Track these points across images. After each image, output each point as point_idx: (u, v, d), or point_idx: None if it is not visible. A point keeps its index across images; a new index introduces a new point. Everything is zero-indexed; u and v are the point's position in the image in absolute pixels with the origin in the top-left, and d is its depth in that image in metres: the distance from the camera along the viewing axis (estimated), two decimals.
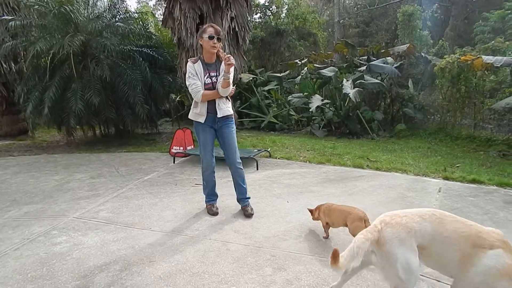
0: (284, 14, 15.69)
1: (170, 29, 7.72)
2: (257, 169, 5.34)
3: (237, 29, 7.35)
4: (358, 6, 23.28)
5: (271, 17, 15.38)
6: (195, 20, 7.25)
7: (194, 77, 3.20)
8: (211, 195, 3.63)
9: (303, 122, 10.55)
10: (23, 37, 7.34)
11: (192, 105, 3.38)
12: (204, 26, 3.23)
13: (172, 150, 6.36)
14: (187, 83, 3.25)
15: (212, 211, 3.53)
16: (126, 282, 2.38)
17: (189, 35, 7.23)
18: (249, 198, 3.60)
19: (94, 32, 7.29)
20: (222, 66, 3.18)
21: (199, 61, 3.24)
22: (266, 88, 11.51)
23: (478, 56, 8.10)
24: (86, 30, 7.29)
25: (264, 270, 2.49)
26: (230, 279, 2.39)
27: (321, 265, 2.54)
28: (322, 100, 9.22)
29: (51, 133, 9.49)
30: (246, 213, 3.47)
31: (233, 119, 3.46)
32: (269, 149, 6.34)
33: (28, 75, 7.58)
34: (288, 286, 2.30)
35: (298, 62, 11.10)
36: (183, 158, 6.12)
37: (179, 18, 7.21)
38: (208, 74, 3.22)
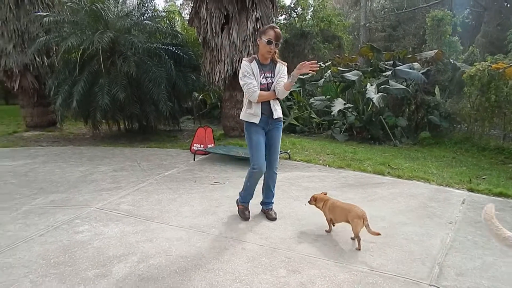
0: (309, 16, 15.61)
1: (195, 28, 7.81)
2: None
3: None
4: (386, 9, 22.88)
5: (296, 18, 15.34)
6: (220, 20, 7.32)
7: (251, 76, 3.11)
8: (249, 196, 3.49)
9: (324, 125, 10.43)
10: (56, 33, 7.64)
11: (244, 106, 3.26)
12: (266, 27, 3.15)
13: (192, 147, 6.45)
14: (241, 82, 3.15)
15: (244, 215, 3.43)
16: (143, 274, 2.44)
17: (214, 34, 7.32)
18: (273, 203, 3.55)
19: (123, 30, 7.50)
20: (278, 68, 3.19)
21: (254, 61, 3.16)
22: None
23: (511, 64, 7.79)
24: (115, 27, 7.51)
25: (279, 272, 2.50)
26: (244, 278, 2.40)
27: (336, 270, 2.51)
28: (345, 104, 9.10)
29: (77, 125, 9.82)
30: (270, 217, 3.41)
31: (282, 122, 3.41)
32: (288, 151, 6.32)
33: (59, 69, 7.89)
34: None
35: (322, 64, 11.00)
36: (203, 156, 6.20)
37: (205, 17, 7.30)
38: (263, 74, 3.15)
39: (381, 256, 2.70)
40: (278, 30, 3.08)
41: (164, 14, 9.11)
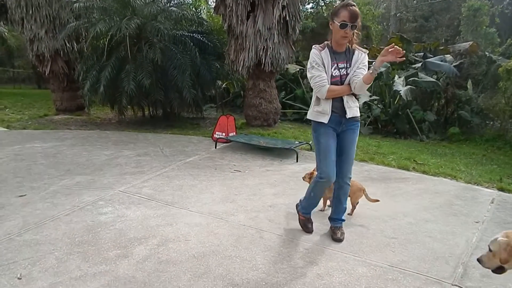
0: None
1: (221, 15, 7.79)
2: (297, 161, 5.29)
3: (287, 18, 7.24)
4: None
5: (324, 7, 14.99)
6: (246, 7, 7.25)
7: (319, 67, 2.57)
8: (312, 206, 2.98)
9: None
10: (85, 19, 7.81)
11: (312, 102, 2.76)
12: (338, 6, 2.54)
13: (214, 135, 6.48)
14: (309, 74, 2.65)
15: (306, 228, 2.96)
16: (162, 257, 2.48)
17: (239, 22, 7.27)
18: (344, 220, 2.93)
19: (150, 16, 7.58)
20: (356, 56, 2.59)
21: (326, 49, 2.60)
22: None
23: None
24: (142, 13, 7.59)
25: (296, 262, 2.48)
26: (261, 267, 2.40)
27: (355, 264, 2.47)
28: (370, 96, 8.87)
29: (104, 110, 10.10)
30: (335, 237, 2.82)
31: (359, 122, 2.80)
32: (310, 142, 6.25)
33: (88, 55, 8.10)
34: (319, 281, 2.27)
35: None
36: (225, 144, 6.23)
37: (230, 5, 7.25)
38: (336, 64, 2.58)
39: (403, 253, 2.63)
40: (354, 8, 2.43)
41: (190, 1, 9.12)
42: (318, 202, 2.94)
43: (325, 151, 2.66)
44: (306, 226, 2.96)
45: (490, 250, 1.94)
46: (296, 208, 3.10)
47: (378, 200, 3.25)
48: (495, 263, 1.92)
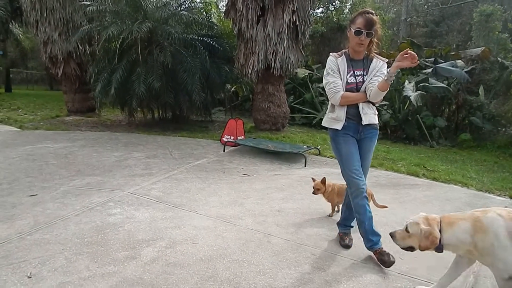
0: (347, 10, 15.20)
1: (231, 19, 7.85)
2: (305, 165, 5.27)
3: (297, 22, 7.26)
4: (429, 4, 21.81)
5: (334, 12, 14.98)
6: (256, 12, 7.30)
7: (335, 74, 2.58)
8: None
9: None
10: (98, 22, 7.95)
11: (327, 109, 2.75)
12: (355, 14, 2.54)
13: (223, 138, 6.51)
14: (324, 81, 2.68)
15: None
16: (170, 259, 2.49)
17: (249, 26, 7.31)
18: (352, 227, 2.85)
19: (161, 20, 7.67)
20: (374, 64, 2.59)
21: (343, 56, 2.62)
22: (322, 84, 11.28)
23: None
24: (154, 17, 7.68)
25: (303, 268, 2.47)
26: (268, 271, 2.39)
27: (363, 271, 2.45)
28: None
29: (114, 112, 10.22)
30: (343, 243, 2.80)
31: (378, 130, 2.73)
32: (318, 147, 6.23)
33: (100, 57, 8.22)
34: (327, 287, 2.26)
35: None
36: (233, 148, 6.24)
37: (241, 9, 7.30)
38: (352, 71, 2.58)
39: (412, 260, 2.60)
40: (370, 16, 2.42)
41: (201, 5, 9.20)
42: (369, 221, 2.56)
43: (347, 158, 2.59)
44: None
45: (407, 230, 2.01)
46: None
47: (386, 206, 3.22)
48: (408, 243, 2.02)
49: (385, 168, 5.33)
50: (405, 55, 2.26)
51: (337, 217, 3.01)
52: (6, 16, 14.61)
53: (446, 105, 9.71)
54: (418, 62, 2.30)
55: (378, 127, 2.71)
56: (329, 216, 3.36)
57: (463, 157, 7.15)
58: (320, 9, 15.15)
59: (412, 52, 2.26)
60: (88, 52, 9.40)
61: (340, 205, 3.10)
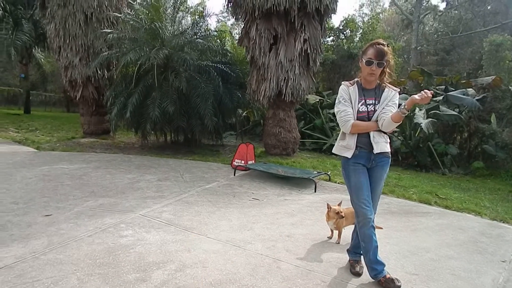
0: (358, 38, 15.52)
1: (244, 47, 8.10)
2: (315, 191, 5.27)
3: (309, 51, 7.46)
4: (439, 33, 22.10)
5: (344, 40, 15.31)
6: (269, 40, 7.53)
7: (346, 102, 2.62)
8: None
9: None
10: (117, 48, 8.29)
11: (338, 137, 2.78)
12: (367, 45, 2.61)
13: (234, 162, 6.58)
14: (335, 109, 2.70)
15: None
16: (180, 283, 2.51)
17: (262, 54, 7.53)
18: (361, 254, 2.79)
19: (177, 47, 7.97)
20: (386, 93, 2.62)
21: (355, 85, 2.66)
22: (332, 111, 11.39)
23: None
24: (170, 44, 7.99)
25: None
26: None
27: None
28: None
29: (128, 135, 10.44)
30: (354, 270, 2.79)
31: (390, 158, 2.74)
32: (329, 172, 6.23)
33: (117, 82, 8.51)
34: None
35: None
36: (243, 172, 6.29)
37: (254, 37, 7.54)
38: (364, 100, 2.61)
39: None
40: (380, 46, 2.49)
41: (215, 33, 9.53)
42: (374, 250, 2.59)
43: (357, 188, 2.62)
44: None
45: None
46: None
47: (381, 228, 3.22)
48: None
49: (396, 195, 5.29)
50: (423, 98, 2.25)
51: (346, 243, 2.99)
52: (30, 42, 15.36)
53: (458, 132, 9.66)
54: (429, 97, 2.27)
55: (390, 155, 2.72)
56: (337, 243, 3.35)
57: (476, 185, 7.04)
58: (331, 38, 15.50)
59: (429, 93, 2.25)
60: (106, 76, 9.75)
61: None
